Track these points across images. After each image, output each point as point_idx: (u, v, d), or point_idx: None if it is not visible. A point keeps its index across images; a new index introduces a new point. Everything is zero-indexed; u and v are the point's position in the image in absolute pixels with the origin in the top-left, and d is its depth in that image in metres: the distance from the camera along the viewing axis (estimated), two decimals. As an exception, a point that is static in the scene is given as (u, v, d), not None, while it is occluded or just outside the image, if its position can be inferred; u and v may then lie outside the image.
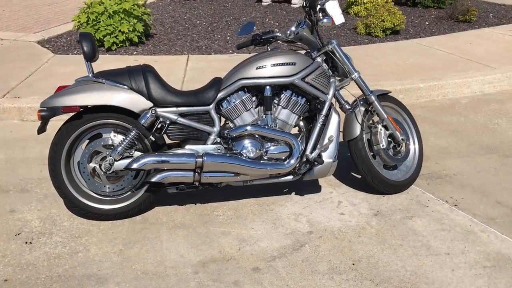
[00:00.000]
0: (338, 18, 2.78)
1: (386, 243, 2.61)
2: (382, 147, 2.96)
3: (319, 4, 2.80)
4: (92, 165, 2.71)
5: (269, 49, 2.99)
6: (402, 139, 3.05)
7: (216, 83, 2.82)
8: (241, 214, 2.88)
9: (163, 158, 2.62)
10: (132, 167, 2.59)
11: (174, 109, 2.71)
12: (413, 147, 3.15)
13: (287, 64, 2.80)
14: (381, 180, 2.97)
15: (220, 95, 2.78)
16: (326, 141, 2.82)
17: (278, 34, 2.97)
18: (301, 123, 2.94)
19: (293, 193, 3.07)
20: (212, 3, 8.29)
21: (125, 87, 2.65)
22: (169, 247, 2.58)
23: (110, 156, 2.64)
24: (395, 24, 6.31)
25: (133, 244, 2.60)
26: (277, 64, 2.79)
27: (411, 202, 2.99)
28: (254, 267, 2.44)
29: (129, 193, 2.79)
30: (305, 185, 3.08)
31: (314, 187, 3.12)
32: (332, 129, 2.84)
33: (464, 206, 2.94)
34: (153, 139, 2.66)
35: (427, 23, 7.03)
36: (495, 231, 2.71)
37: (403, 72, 5.00)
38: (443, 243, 2.61)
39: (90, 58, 2.65)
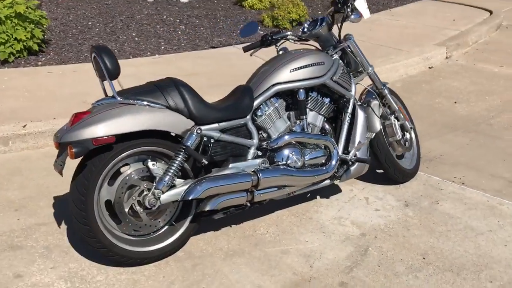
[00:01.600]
0: (366, 13, 2.75)
1: (435, 232, 2.69)
2: (398, 138, 3.02)
3: (352, 0, 2.73)
4: (130, 202, 2.28)
5: (280, 51, 2.83)
6: (411, 127, 3.16)
7: (247, 91, 2.57)
8: (284, 228, 2.69)
9: (220, 182, 2.31)
10: (190, 197, 2.24)
11: (216, 125, 2.42)
12: (412, 134, 3.28)
13: (318, 64, 2.69)
14: (401, 171, 3.04)
15: (255, 103, 2.55)
16: (358, 139, 2.79)
17: (289, 33, 2.83)
18: (326, 125, 2.85)
19: (318, 196, 2.97)
20: (89, 2, 7.52)
21: (162, 106, 2.27)
22: (239, 280, 2.30)
23: (157, 188, 2.24)
24: (300, 15, 6.47)
25: (198, 285, 2.26)
26: (310, 64, 2.66)
27: (426, 187, 3.12)
28: (340, 281, 2.31)
29: (168, 227, 2.43)
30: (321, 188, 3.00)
31: (331, 188, 3.06)
32: (361, 127, 2.81)
33: (470, 183, 3.16)
34: (206, 162, 2.32)
35: (320, 12, 7.36)
36: (509, 202, 2.97)
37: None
38: (480, 222, 2.78)
39: (114, 76, 2.21)
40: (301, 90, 2.65)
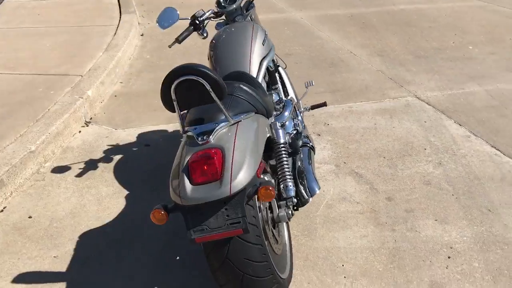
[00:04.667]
0: None
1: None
2: None
3: None
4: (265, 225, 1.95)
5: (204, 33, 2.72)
6: None
7: (249, 75, 2.38)
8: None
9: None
10: (317, 191, 2.24)
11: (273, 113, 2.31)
12: None
13: (266, 34, 2.70)
14: None
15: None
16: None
17: (210, 11, 2.71)
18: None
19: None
20: None
21: (253, 113, 2.02)
22: None
23: (288, 197, 2.03)
24: None
25: None
26: (266, 34, 2.70)
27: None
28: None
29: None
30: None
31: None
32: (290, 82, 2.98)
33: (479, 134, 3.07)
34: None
35: None
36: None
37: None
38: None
39: (224, 94, 1.82)
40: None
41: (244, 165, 1.71)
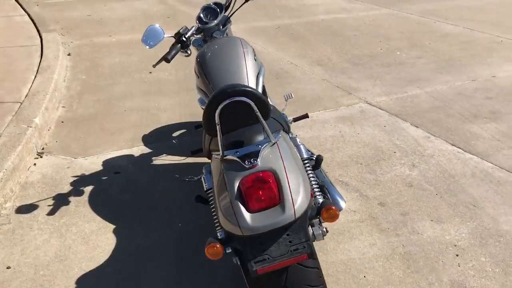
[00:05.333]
0: None
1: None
2: None
3: None
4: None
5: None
6: None
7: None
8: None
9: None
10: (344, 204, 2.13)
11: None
12: None
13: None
14: None
15: None
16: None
17: (194, 28, 2.64)
18: None
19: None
20: None
21: (281, 130, 1.94)
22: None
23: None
24: None
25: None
26: (253, 49, 2.64)
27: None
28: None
29: None
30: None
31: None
32: None
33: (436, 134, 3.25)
34: None
35: None
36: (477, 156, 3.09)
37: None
38: (484, 200, 2.85)
39: (269, 114, 1.78)
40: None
41: (301, 186, 1.64)
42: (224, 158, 1.74)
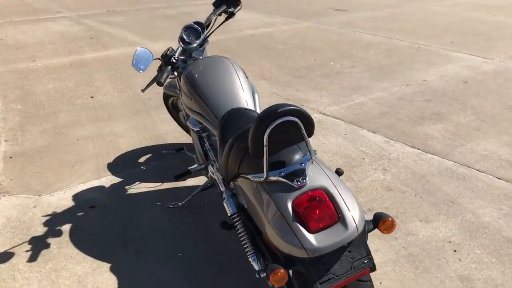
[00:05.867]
0: None
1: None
2: None
3: None
4: None
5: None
6: None
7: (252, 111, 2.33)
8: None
9: None
10: None
11: None
12: None
13: None
14: None
15: None
16: None
17: (180, 49, 2.57)
18: None
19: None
20: None
21: None
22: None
23: None
24: None
25: None
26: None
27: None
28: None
29: None
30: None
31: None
32: None
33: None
34: None
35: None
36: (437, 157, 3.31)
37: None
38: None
39: (312, 132, 1.74)
40: None
41: (354, 201, 1.64)
42: (268, 179, 1.69)
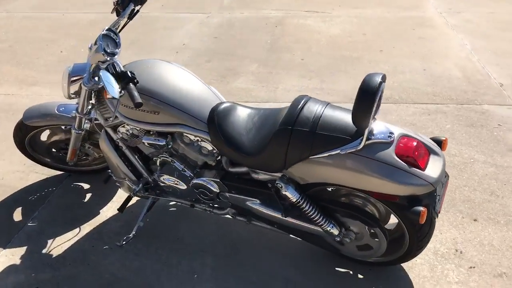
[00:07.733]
0: None
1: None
2: None
3: None
4: None
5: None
6: None
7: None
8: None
9: None
10: None
11: None
12: None
13: None
14: None
15: None
16: None
17: (107, 59, 2.14)
18: None
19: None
20: None
21: None
22: None
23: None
24: None
25: None
26: None
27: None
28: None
29: None
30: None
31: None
32: None
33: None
34: None
35: None
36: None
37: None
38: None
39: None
40: None
41: (423, 135, 1.98)
42: (366, 144, 1.79)
